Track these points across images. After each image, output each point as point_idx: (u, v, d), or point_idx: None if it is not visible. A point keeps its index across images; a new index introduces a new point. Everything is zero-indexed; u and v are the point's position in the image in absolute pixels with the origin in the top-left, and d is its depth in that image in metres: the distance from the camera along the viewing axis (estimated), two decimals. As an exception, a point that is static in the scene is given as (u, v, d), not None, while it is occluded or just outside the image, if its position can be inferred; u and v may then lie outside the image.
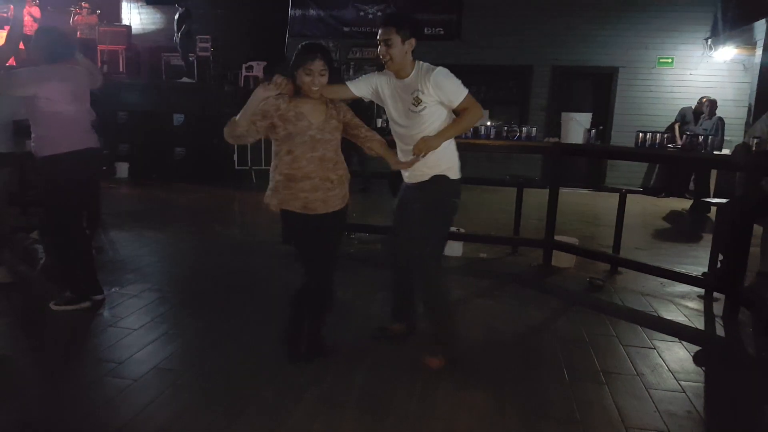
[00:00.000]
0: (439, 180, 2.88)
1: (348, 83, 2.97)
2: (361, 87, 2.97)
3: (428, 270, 2.93)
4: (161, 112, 9.38)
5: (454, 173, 2.93)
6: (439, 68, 2.81)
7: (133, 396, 2.60)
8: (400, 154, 2.96)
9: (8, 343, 3.24)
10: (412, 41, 2.79)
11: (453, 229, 5.27)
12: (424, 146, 2.76)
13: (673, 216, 7.96)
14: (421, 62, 2.87)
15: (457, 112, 2.86)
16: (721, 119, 8.29)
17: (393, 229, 3.14)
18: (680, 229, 7.20)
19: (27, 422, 2.40)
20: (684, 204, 8.45)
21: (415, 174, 2.92)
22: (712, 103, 8.39)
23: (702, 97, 8.71)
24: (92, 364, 2.95)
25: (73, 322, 3.45)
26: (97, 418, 2.43)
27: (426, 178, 2.89)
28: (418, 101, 2.79)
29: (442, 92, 2.78)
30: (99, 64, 10.19)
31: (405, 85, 2.84)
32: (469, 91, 2.83)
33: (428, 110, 2.80)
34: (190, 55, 9.79)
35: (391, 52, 2.77)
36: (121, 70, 10.23)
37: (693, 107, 8.85)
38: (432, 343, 3.03)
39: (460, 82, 2.82)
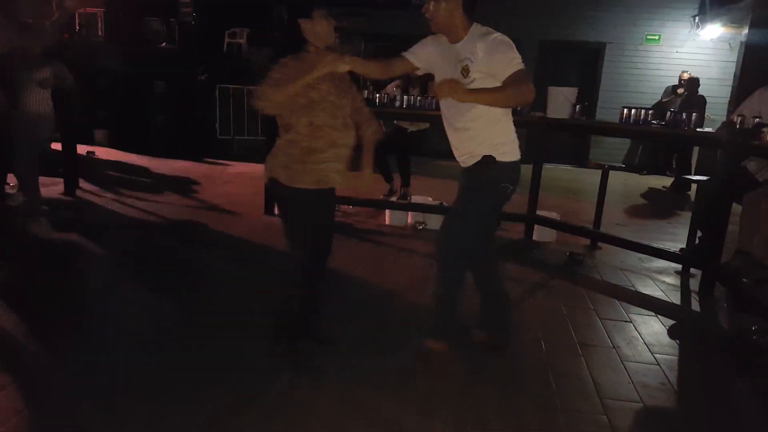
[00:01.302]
0: (488, 161, 2.49)
1: (405, 54, 2.61)
2: (419, 55, 2.59)
3: (458, 256, 2.64)
4: (141, 78, 9.16)
5: (507, 154, 2.53)
6: (499, 33, 2.39)
7: (109, 364, 2.58)
8: (451, 136, 2.61)
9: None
10: (459, 5, 2.37)
11: (436, 202, 5.29)
12: (447, 88, 2.25)
13: (653, 193, 8.05)
14: (480, 25, 2.45)
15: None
16: (702, 97, 8.30)
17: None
18: (660, 206, 7.28)
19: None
20: (665, 181, 8.54)
21: (463, 156, 2.58)
22: (689, 81, 8.37)
23: (683, 71, 8.74)
24: (74, 334, 2.92)
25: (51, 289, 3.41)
26: (78, 387, 2.42)
27: (475, 159, 2.53)
28: (466, 71, 2.37)
29: (492, 61, 2.34)
30: (77, 27, 9.91)
31: (455, 52, 2.44)
32: (524, 68, 2.34)
33: (477, 84, 2.36)
34: (172, 20, 9.54)
35: (431, 7, 2.39)
36: (99, 33, 9.95)
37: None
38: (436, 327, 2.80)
39: (519, 55, 2.34)
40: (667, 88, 9.10)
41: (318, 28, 2.45)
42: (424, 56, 2.59)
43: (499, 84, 2.34)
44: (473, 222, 2.59)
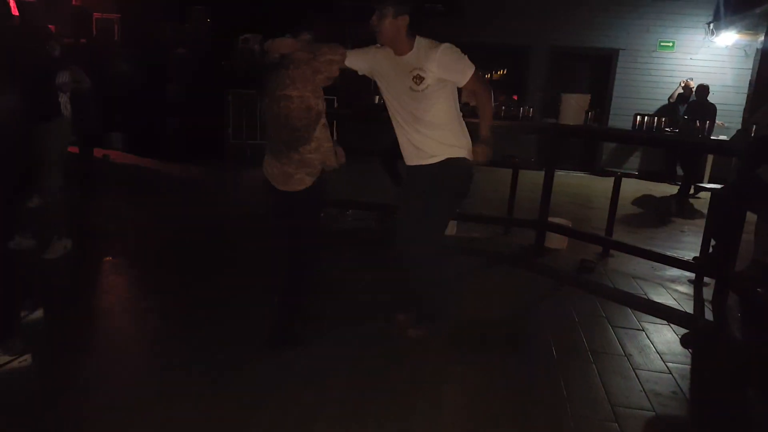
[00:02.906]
0: (457, 161, 2.74)
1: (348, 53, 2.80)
2: (354, 59, 2.80)
3: (430, 247, 2.81)
4: (156, 83, 9.25)
5: (468, 152, 2.79)
6: (444, 45, 2.63)
7: (121, 366, 2.61)
8: (400, 135, 2.83)
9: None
10: (406, 18, 2.61)
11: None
12: (484, 155, 2.72)
13: (664, 201, 7.98)
14: (422, 39, 2.69)
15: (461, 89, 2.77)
16: (712, 105, 8.21)
17: (399, 213, 2.97)
18: (669, 214, 7.21)
19: (15, 391, 2.41)
20: (672, 189, 8.47)
21: (423, 154, 2.77)
22: (699, 89, 8.28)
23: (688, 80, 8.67)
24: (83, 332, 2.96)
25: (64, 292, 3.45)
26: (86, 383, 2.44)
27: (439, 159, 2.74)
28: (419, 79, 2.63)
29: (448, 71, 2.64)
30: (94, 32, 10.04)
31: (404, 63, 2.68)
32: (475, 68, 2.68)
33: (431, 89, 2.64)
34: (186, 25, 9.64)
35: (380, 24, 2.61)
36: (115, 38, 10.09)
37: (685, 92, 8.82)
38: (421, 315, 3.02)
39: (466, 57, 2.67)
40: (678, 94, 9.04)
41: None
42: (362, 62, 2.82)
43: (453, 86, 2.70)
44: (449, 216, 2.95)
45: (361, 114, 5.84)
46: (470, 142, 2.81)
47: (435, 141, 2.73)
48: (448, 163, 2.73)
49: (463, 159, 2.76)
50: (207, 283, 3.70)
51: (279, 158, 2.64)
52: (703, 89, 8.19)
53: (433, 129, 2.72)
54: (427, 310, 3.02)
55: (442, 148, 2.74)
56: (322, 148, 2.63)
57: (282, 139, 2.60)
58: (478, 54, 11.62)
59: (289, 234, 2.76)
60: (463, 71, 2.65)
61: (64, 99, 4.61)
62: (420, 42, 2.67)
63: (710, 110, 7.96)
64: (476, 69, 2.67)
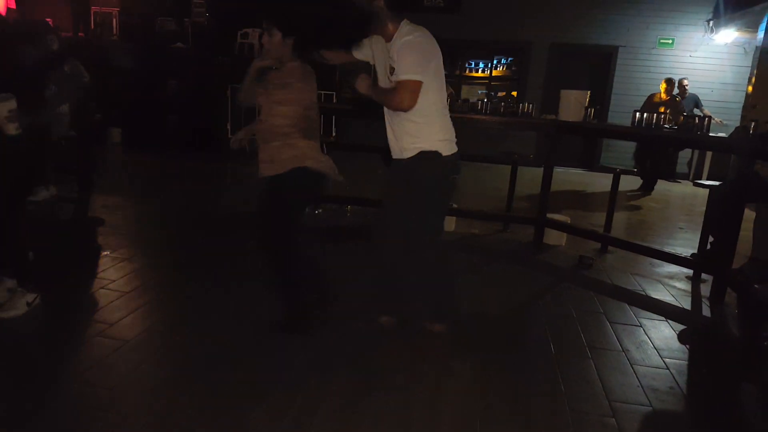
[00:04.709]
0: (429, 157, 2.65)
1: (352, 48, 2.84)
2: (359, 51, 2.82)
3: (430, 248, 2.82)
4: (154, 77, 9.24)
5: (445, 147, 2.68)
6: (411, 37, 2.49)
7: (124, 356, 2.62)
8: (386, 127, 2.78)
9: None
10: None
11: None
12: (360, 82, 2.67)
13: (662, 197, 8.00)
14: (407, 24, 2.55)
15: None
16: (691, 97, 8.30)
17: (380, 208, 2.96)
18: (670, 211, 7.23)
19: (19, 380, 2.41)
20: (676, 187, 8.50)
21: (400, 148, 2.72)
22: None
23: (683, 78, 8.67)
24: (84, 324, 2.97)
25: (64, 284, 3.46)
26: (89, 376, 2.44)
27: (412, 153, 2.68)
28: (391, 70, 2.56)
29: (398, 63, 2.49)
30: (92, 26, 10.03)
31: (387, 50, 2.61)
32: (412, 79, 2.48)
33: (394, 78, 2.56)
34: (185, 20, 9.62)
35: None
36: (114, 33, 10.06)
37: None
38: (435, 311, 3.00)
39: (418, 61, 2.47)
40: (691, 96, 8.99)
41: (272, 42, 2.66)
42: (368, 50, 2.78)
43: (433, 80, 2.56)
44: (424, 212, 2.75)
45: (361, 109, 5.82)
46: (452, 139, 2.73)
47: (409, 135, 2.66)
48: (420, 157, 2.65)
49: (436, 153, 2.64)
50: (210, 274, 3.71)
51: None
52: (670, 83, 8.13)
53: (407, 122, 2.64)
54: (434, 308, 3.00)
55: (416, 142, 2.65)
56: (297, 145, 2.66)
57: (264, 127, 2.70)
58: (478, 50, 11.66)
59: (264, 224, 2.77)
60: (402, 68, 2.48)
61: (64, 92, 4.61)
62: (402, 28, 2.54)
63: (676, 104, 7.94)
64: (410, 82, 2.46)
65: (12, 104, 2.81)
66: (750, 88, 7.72)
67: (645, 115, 4.53)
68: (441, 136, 2.69)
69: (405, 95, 2.47)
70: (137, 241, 4.47)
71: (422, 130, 2.64)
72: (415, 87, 2.47)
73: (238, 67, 9.43)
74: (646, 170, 8.31)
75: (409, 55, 2.47)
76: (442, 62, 2.65)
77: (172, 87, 9.23)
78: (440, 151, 2.65)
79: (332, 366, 2.63)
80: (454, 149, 2.74)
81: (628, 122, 4.85)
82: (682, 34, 9.59)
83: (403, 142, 2.69)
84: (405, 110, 2.53)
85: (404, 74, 2.46)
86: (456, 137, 2.80)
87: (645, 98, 8.47)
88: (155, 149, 8.71)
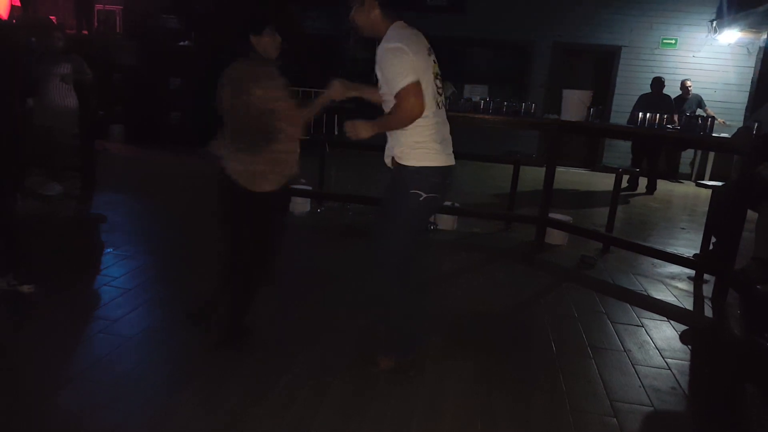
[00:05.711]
0: (414, 167, 2.36)
1: None
2: None
3: (386, 267, 2.49)
4: (157, 75, 9.24)
5: (423, 159, 2.36)
6: (385, 46, 2.27)
7: (126, 353, 2.62)
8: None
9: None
10: (375, 5, 2.29)
11: (447, 203, 5.29)
12: (353, 130, 2.34)
13: (665, 197, 7.99)
14: (397, 26, 2.33)
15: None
16: (668, 97, 8.23)
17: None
18: (673, 210, 7.22)
19: (20, 375, 2.42)
20: (678, 187, 8.48)
21: (390, 153, 2.46)
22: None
23: (687, 79, 8.64)
24: (86, 321, 2.97)
25: (67, 281, 3.47)
26: (90, 373, 2.45)
27: (399, 160, 2.41)
28: (377, 77, 2.36)
29: (382, 74, 2.30)
30: (96, 23, 10.02)
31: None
32: (407, 84, 2.23)
33: (384, 90, 2.35)
34: (189, 17, 9.61)
35: (354, 15, 2.35)
36: (117, 30, 10.06)
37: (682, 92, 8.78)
38: (386, 341, 2.72)
39: (404, 66, 2.23)
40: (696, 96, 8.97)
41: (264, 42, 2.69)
42: None
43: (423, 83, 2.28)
44: (402, 225, 2.45)
45: (363, 107, 5.81)
46: (448, 147, 2.45)
47: (397, 141, 2.41)
48: (404, 167, 2.39)
49: (421, 167, 2.36)
50: (213, 271, 3.71)
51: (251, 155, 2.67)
52: (658, 82, 8.10)
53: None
54: (392, 340, 2.70)
55: (403, 150, 2.38)
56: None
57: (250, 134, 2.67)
58: (482, 50, 11.64)
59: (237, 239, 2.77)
60: (391, 80, 2.26)
61: (69, 89, 4.63)
62: (389, 32, 2.33)
63: (666, 103, 7.88)
64: (408, 85, 2.23)
65: None
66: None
67: (640, 114, 4.54)
68: (431, 146, 2.39)
69: (409, 101, 2.25)
70: (140, 238, 4.47)
71: (410, 135, 2.36)
72: (416, 89, 2.25)
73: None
74: (643, 170, 8.29)
75: (394, 60, 2.25)
76: (429, 63, 2.36)
77: (175, 84, 9.23)
78: (429, 164, 2.38)
79: (332, 365, 2.63)
80: (433, 162, 2.39)
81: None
82: (685, 34, 9.56)
83: (394, 149, 2.44)
84: (419, 116, 2.28)
85: (398, 84, 2.24)
86: (455, 136, 2.55)
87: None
88: (158, 146, 8.72)
